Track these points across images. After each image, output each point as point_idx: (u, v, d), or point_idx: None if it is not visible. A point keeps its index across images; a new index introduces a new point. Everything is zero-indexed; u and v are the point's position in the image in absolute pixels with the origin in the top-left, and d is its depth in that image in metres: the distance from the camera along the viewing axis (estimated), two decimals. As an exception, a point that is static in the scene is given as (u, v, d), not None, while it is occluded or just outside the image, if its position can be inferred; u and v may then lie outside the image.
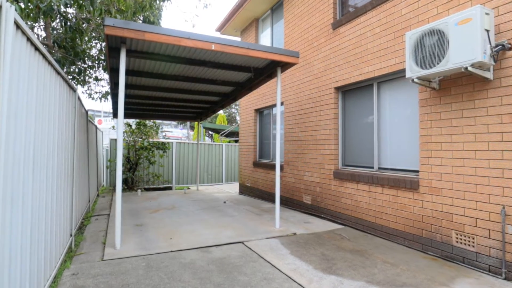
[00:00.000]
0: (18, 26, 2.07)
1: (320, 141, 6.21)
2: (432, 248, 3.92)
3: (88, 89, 9.58)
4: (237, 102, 38.71)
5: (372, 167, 5.14)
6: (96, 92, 9.71)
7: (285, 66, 5.26)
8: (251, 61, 5.33)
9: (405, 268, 3.46)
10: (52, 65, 2.87)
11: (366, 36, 5.12)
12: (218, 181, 13.66)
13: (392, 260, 3.74)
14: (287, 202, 7.25)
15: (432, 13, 3.99)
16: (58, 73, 3.15)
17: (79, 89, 8.25)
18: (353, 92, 5.66)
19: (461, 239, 3.56)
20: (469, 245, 3.47)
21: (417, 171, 4.28)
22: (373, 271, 3.38)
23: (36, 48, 2.41)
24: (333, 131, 5.88)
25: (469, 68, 3.05)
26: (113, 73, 5.56)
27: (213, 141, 22.52)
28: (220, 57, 5.08)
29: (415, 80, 3.69)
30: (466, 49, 3.07)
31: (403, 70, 4.46)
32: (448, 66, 3.24)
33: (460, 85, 3.61)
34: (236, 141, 21.01)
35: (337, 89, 5.92)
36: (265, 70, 5.68)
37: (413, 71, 3.68)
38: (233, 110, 40.58)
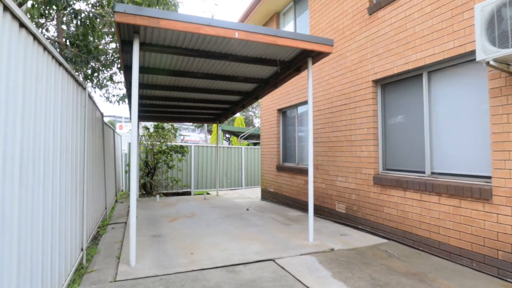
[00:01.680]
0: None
1: (356, 142, 5.50)
2: (515, 274, 3.14)
3: (106, 92, 9.31)
4: (254, 105, 38.15)
5: (423, 172, 4.38)
6: (114, 95, 9.42)
7: (316, 56, 4.62)
8: (278, 52, 4.73)
9: (487, 302, 2.72)
10: (50, 53, 2.38)
11: (412, 18, 4.40)
12: (237, 186, 13.11)
13: (465, 289, 3.00)
14: (316, 210, 6.56)
15: (507, -19, 3.23)
16: (60, 64, 2.67)
17: (97, 92, 7.92)
18: (395, 84, 4.93)
19: (562, 265, 2.77)
20: None
21: (489, 177, 3.51)
22: (446, 306, 2.66)
23: (22, 25, 1.84)
24: (371, 130, 5.16)
25: None
26: (128, 71, 5.11)
27: (231, 144, 22.05)
28: (243, 49, 4.51)
29: (491, 62, 2.95)
30: None
31: (465, 54, 3.71)
32: (544, 41, 2.49)
33: (554, 67, 2.85)
34: (255, 144, 20.43)
35: (376, 82, 5.21)
36: (292, 63, 5.06)
37: (487, 52, 2.94)
38: (249, 113, 40.05)
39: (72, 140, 3.13)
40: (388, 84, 5.07)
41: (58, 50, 4.84)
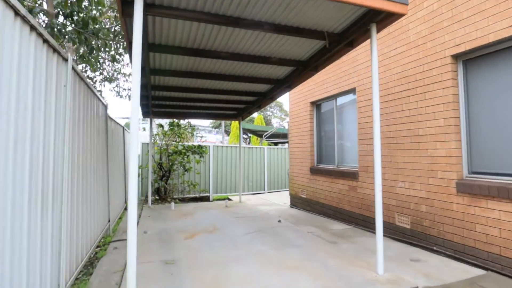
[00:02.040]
0: None
1: (426, 138, 4.22)
2: None
3: (117, 86, 8.39)
4: (272, 104, 36.76)
5: (543, 177, 3.07)
6: (125, 89, 8.49)
7: (383, 21, 3.39)
8: (328, 19, 3.55)
9: None
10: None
11: (528, -41, 3.11)
12: (259, 190, 11.94)
13: None
14: (365, 223, 5.31)
15: None
16: (15, 11, 1.59)
17: (106, 86, 6.94)
18: (487, 58, 3.63)
19: None
20: None
21: None
22: None
23: None
24: (451, 121, 3.88)
25: None
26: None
27: (250, 144, 20.94)
28: (284, 13, 3.37)
29: None
30: None
31: None
32: None
33: None
34: (276, 144, 19.24)
35: (456, 57, 3.92)
36: (344, 35, 3.87)
37: None
38: (268, 112, 38.82)
39: (37, 130, 2.05)
40: (474, 59, 3.78)
41: (46, 21, 3.88)
